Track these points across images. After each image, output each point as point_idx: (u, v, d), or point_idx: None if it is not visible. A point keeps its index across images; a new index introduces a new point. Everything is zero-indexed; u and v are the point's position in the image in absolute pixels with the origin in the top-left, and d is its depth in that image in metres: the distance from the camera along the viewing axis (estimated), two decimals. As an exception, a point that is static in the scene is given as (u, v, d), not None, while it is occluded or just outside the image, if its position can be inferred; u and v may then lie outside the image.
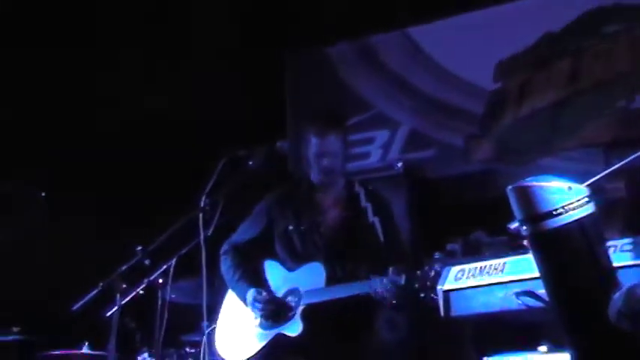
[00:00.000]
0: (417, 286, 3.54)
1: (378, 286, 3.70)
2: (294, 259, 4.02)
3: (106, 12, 6.12)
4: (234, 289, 4.13)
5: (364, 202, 4.06)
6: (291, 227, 4.07)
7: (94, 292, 4.49)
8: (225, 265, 4.16)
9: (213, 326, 4.24)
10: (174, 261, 4.19)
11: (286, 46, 6.81)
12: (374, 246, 3.93)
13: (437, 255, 3.58)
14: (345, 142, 4.14)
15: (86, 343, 5.27)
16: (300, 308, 3.86)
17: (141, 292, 4.46)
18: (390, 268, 3.74)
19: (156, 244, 4.25)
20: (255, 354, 3.96)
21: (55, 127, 5.98)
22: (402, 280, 3.64)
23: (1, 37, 5.82)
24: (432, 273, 3.48)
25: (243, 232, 4.21)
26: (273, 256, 4.11)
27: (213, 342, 4.19)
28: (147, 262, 4.33)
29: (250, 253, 4.15)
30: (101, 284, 4.43)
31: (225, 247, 4.21)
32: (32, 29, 5.91)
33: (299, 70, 6.92)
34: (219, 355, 4.17)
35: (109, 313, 4.37)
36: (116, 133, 6.02)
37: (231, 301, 4.19)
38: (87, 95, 6.13)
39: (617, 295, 2.50)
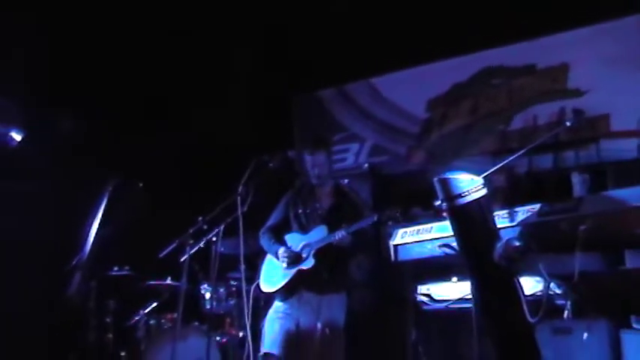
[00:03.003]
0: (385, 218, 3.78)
1: (336, 236, 3.85)
2: (302, 230, 4.09)
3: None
4: (269, 251, 4.17)
5: (352, 194, 4.16)
6: (300, 211, 4.14)
7: (173, 245, 4.60)
8: (264, 239, 4.21)
9: (257, 281, 4.25)
10: (222, 226, 4.27)
11: (294, 91, 6.81)
12: (355, 216, 3.95)
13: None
14: (329, 156, 4.19)
15: (169, 278, 5.31)
16: (313, 252, 3.94)
17: (202, 246, 4.54)
18: (344, 224, 3.86)
19: (211, 216, 4.35)
20: (283, 285, 4.01)
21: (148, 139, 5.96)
22: (375, 217, 3.83)
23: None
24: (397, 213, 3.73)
25: (273, 219, 4.26)
26: (290, 231, 4.17)
27: (258, 284, 4.23)
28: (205, 227, 4.46)
29: (278, 230, 4.21)
30: (177, 241, 4.56)
31: (263, 229, 4.26)
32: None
33: (302, 106, 6.90)
34: (262, 290, 4.19)
35: (182, 259, 4.48)
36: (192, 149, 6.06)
37: (267, 261, 4.23)
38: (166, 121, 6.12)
39: (499, 245, 2.60)
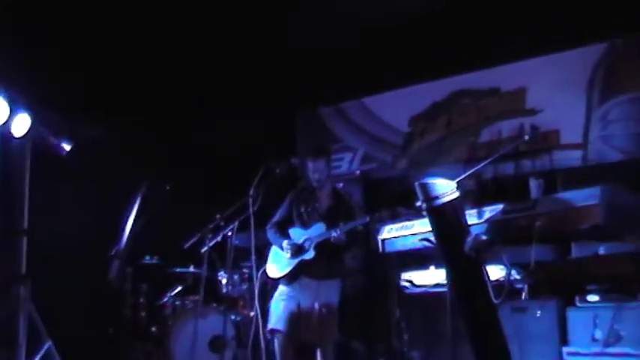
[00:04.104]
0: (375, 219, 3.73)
1: (333, 233, 3.85)
2: (304, 226, 4.05)
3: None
4: (275, 243, 4.11)
5: (347, 197, 4.13)
6: (302, 209, 4.08)
7: (195, 238, 4.63)
8: (270, 232, 4.14)
9: (264, 267, 4.20)
10: (236, 223, 4.28)
11: (297, 109, 6.81)
12: (349, 216, 3.95)
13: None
14: (329, 163, 4.15)
15: (191, 266, 5.29)
16: (313, 245, 3.93)
17: (219, 239, 4.57)
18: (341, 223, 3.82)
19: (227, 213, 4.36)
20: (287, 273, 4.00)
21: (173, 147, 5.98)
22: (368, 218, 3.79)
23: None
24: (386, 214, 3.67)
25: (279, 215, 4.19)
26: (293, 226, 4.12)
27: (265, 271, 4.18)
28: (222, 223, 4.47)
29: (282, 225, 4.15)
30: (198, 235, 4.57)
31: (269, 224, 4.19)
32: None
33: (304, 121, 6.89)
34: (268, 276, 4.15)
35: (203, 250, 4.49)
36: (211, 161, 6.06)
37: (273, 251, 4.19)
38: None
39: (469, 238, 2.61)
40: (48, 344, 4.17)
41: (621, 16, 4.84)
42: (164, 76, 5.75)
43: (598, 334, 4.14)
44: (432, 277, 4.85)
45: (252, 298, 4.61)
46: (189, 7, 5.27)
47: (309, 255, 3.92)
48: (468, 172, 3.09)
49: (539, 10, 5.13)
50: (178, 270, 5.35)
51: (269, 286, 4.61)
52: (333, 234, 3.84)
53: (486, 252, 2.64)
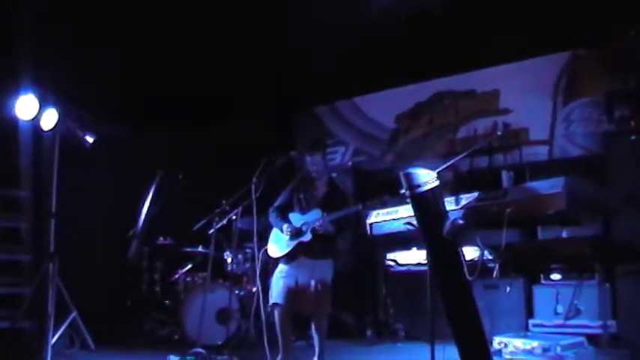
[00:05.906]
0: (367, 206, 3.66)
1: (316, 223, 3.80)
2: (302, 211, 3.97)
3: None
4: (276, 226, 4.02)
5: (341, 186, 4.06)
6: (301, 197, 3.99)
7: (203, 221, 4.58)
8: (272, 216, 4.04)
9: (265, 247, 4.09)
10: (240, 208, 4.24)
11: (296, 107, 6.78)
12: (343, 203, 3.89)
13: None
14: (324, 156, 4.07)
15: (200, 246, 5.25)
16: (310, 229, 3.86)
17: (225, 222, 4.50)
18: (324, 214, 3.72)
19: (232, 200, 4.31)
20: (287, 253, 3.93)
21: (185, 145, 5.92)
22: (361, 206, 3.73)
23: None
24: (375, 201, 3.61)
25: (280, 200, 4.08)
26: (292, 211, 4.04)
27: (266, 251, 4.09)
28: (227, 208, 4.41)
29: (283, 210, 4.06)
30: (207, 218, 4.52)
31: (271, 208, 4.08)
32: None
33: (302, 118, 6.87)
34: (269, 255, 4.07)
35: (210, 232, 4.46)
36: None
37: (274, 233, 4.10)
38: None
39: (447, 222, 2.59)
40: (73, 314, 4.19)
41: (582, 29, 4.88)
42: (181, 79, 5.72)
43: (560, 309, 4.20)
44: (415, 257, 4.89)
45: (255, 275, 4.57)
46: (209, 24, 5.28)
47: (307, 237, 3.85)
48: (447, 164, 3.05)
49: (510, 21, 5.13)
50: (189, 250, 5.34)
51: (269, 264, 4.57)
52: (316, 223, 3.78)
53: (462, 235, 2.63)
